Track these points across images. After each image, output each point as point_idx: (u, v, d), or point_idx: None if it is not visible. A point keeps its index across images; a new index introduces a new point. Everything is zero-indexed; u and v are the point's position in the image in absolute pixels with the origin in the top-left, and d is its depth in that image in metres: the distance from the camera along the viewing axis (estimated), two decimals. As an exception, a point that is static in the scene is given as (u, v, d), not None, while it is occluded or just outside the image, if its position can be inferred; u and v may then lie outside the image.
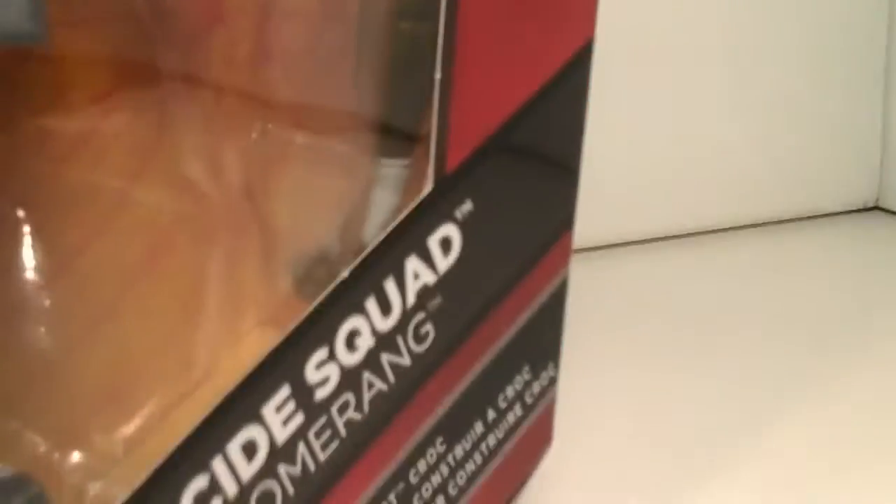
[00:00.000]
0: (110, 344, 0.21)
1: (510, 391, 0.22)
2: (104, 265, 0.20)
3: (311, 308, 0.18)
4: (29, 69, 0.19)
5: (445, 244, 0.19)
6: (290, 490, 0.18)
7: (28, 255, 0.20)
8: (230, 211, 0.22)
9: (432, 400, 0.20)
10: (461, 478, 0.21)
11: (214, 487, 0.16)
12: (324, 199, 0.22)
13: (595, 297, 0.38)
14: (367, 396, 0.19)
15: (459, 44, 0.18)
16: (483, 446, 0.22)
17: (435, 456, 0.21)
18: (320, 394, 0.18)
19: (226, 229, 0.22)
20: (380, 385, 0.19)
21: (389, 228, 0.18)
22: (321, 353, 0.18)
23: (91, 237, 0.20)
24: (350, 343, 0.18)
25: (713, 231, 0.47)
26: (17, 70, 0.18)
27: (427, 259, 0.19)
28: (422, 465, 0.20)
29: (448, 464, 0.21)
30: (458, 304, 0.20)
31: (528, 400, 0.23)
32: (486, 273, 0.20)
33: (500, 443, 0.22)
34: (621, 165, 0.43)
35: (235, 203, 0.22)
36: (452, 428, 0.21)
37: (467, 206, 0.20)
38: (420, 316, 0.19)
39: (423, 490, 0.21)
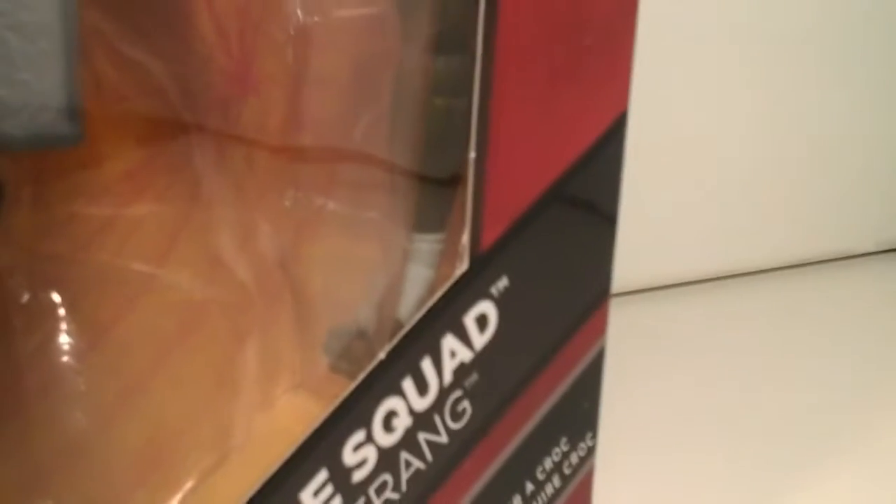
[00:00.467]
0: (144, 417, 0.21)
1: (548, 463, 0.22)
2: (134, 340, 0.21)
3: (347, 391, 0.18)
4: (59, 151, 0.19)
5: (482, 321, 0.19)
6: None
7: (61, 335, 0.20)
8: (263, 280, 0.22)
9: (470, 475, 0.20)
10: (500, 551, 0.21)
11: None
12: (357, 268, 0.22)
13: (628, 342, 0.38)
14: (404, 476, 0.19)
15: (493, 122, 0.18)
16: (521, 518, 0.22)
17: (473, 531, 0.20)
18: (357, 476, 0.18)
19: (258, 299, 0.22)
20: (417, 464, 0.19)
21: (425, 308, 0.18)
22: (359, 436, 0.18)
23: (120, 314, 0.20)
24: (387, 424, 0.18)
25: (744, 274, 0.47)
26: (48, 153, 0.19)
27: (463, 337, 0.19)
28: (460, 541, 0.20)
29: (487, 538, 0.21)
30: (495, 380, 0.20)
31: (567, 471, 0.23)
32: (523, 348, 0.20)
33: (539, 513, 0.22)
34: (656, 210, 0.43)
35: (268, 271, 0.22)
36: (491, 502, 0.21)
37: (503, 283, 0.19)
38: (457, 393, 0.19)
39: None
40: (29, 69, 0.14)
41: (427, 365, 0.19)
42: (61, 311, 0.19)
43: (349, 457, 0.18)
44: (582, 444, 0.23)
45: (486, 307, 0.19)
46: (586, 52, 0.20)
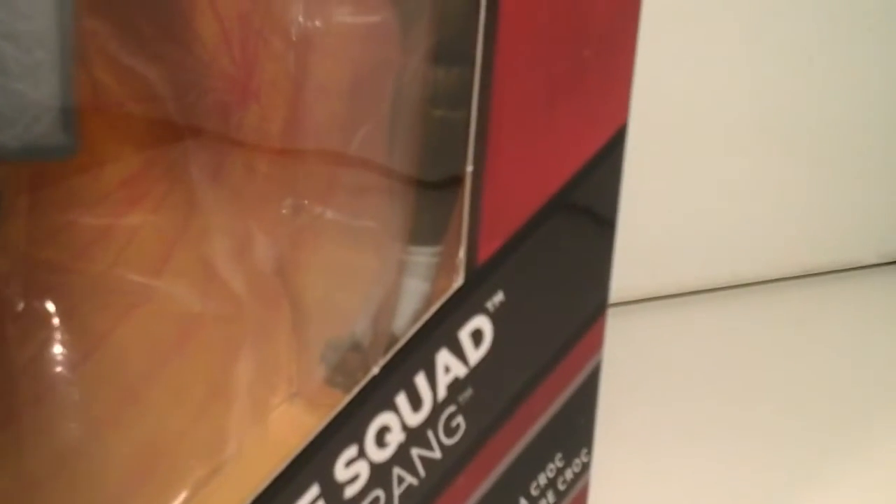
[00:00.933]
0: (138, 427, 0.21)
1: (542, 479, 0.22)
2: (129, 350, 0.20)
3: (340, 407, 0.18)
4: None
5: (477, 336, 0.19)
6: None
7: (55, 345, 0.20)
8: (259, 290, 0.22)
9: (463, 491, 0.20)
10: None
11: None
12: (354, 277, 0.22)
13: (625, 352, 0.37)
14: (396, 492, 0.19)
15: (491, 135, 0.18)
16: (515, 534, 0.22)
17: (466, 547, 0.20)
18: (349, 491, 0.18)
19: (255, 308, 0.22)
20: (410, 479, 0.19)
21: (420, 323, 0.18)
22: (351, 451, 0.18)
23: (115, 324, 0.20)
24: (380, 439, 0.18)
25: (746, 285, 0.46)
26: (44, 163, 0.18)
27: (458, 352, 0.19)
28: (453, 557, 0.20)
29: (479, 554, 0.21)
30: (490, 396, 0.20)
31: (561, 487, 0.22)
32: (518, 363, 0.20)
33: (533, 529, 0.22)
34: (656, 219, 0.43)
35: (265, 280, 0.22)
36: (484, 518, 0.21)
37: (498, 298, 0.19)
38: (451, 409, 0.19)
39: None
40: (24, 79, 0.14)
41: (421, 380, 0.19)
42: (56, 321, 0.19)
43: (341, 472, 0.18)
44: (577, 460, 0.23)
45: (482, 322, 0.19)
46: (586, 65, 0.20)
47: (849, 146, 0.47)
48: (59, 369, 0.20)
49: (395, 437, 0.18)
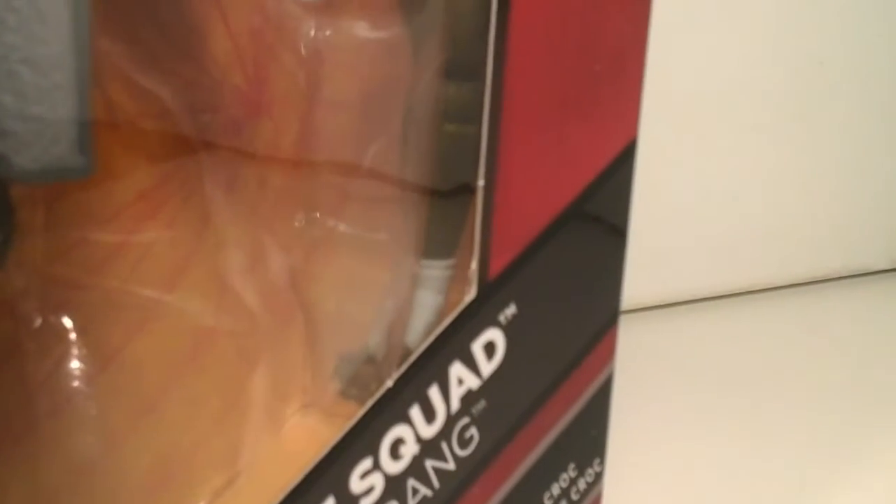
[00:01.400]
0: (154, 438, 0.21)
1: (556, 489, 0.22)
2: (144, 362, 0.21)
3: (354, 420, 0.18)
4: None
5: (489, 349, 0.19)
6: None
7: (72, 360, 0.20)
8: (273, 302, 0.22)
9: (477, 502, 0.20)
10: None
11: None
12: (367, 290, 0.22)
13: (635, 359, 0.38)
14: (411, 503, 0.19)
15: (502, 150, 0.18)
16: (529, 544, 0.22)
17: (480, 557, 0.20)
18: (364, 503, 0.18)
19: (268, 321, 0.22)
20: (424, 491, 0.19)
21: (433, 336, 0.18)
22: (366, 463, 0.18)
23: (129, 337, 0.20)
24: (394, 451, 0.18)
25: (756, 291, 0.46)
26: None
27: (471, 364, 0.19)
28: (467, 568, 0.20)
29: (493, 564, 0.21)
30: (503, 407, 0.20)
31: (574, 497, 0.23)
32: (531, 374, 0.20)
33: (546, 539, 0.22)
34: (667, 225, 0.43)
35: (279, 293, 0.22)
36: (497, 529, 0.21)
37: (511, 310, 0.19)
38: (464, 421, 0.19)
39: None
40: (42, 103, 0.14)
41: (435, 392, 0.19)
42: (73, 336, 0.19)
43: (356, 484, 0.18)
44: (590, 470, 0.23)
45: (494, 334, 0.19)
46: (596, 80, 0.20)
47: (859, 152, 0.46)
48: (75, 383, 0.20)
49: (410, 449, 0.19)
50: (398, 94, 0.21)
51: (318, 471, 0.17)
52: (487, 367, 0.19)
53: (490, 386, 0.20)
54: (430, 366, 0.18)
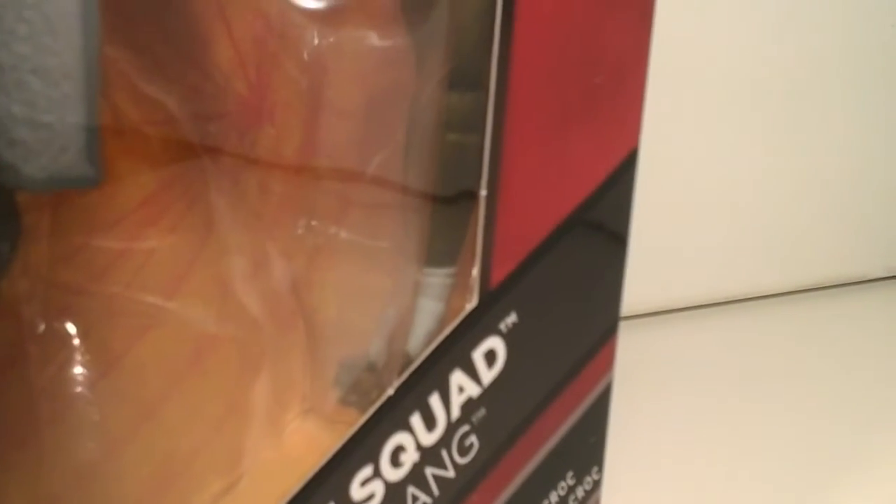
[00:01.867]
0: (155, 443, 0.21)
1: (554, 497, 0.22)
2: (145, 368, 0.21)
3: (355, 427, 0.18)
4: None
5: (490, 357, 0.19)
6: None
7: (75, 365, 0.20)
8: (274, 308, 0.22)
9: (476, 509, 0.20)
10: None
11: None
12: (368, 297, 0.22)
13: (633, 365, 0.38)
14: (411, 510, 0.19)
15: (505, 160, 0.18)
16: (527, 550, 0.22)
17: (479, 564, 0.21)
18: (365, 510, 0.18)
19: (270, 327, 0.22)
20: (424, 498, 0.19)
21: (434, 344, 0.19)
22: (366, 471, 0.18)
23: (131, 343, 0.20)
24: (395, 459, 0.18)
25: (753, 298, 0.47)
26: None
27: (471, 372, 0.19)
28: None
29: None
30: (503, 415, 0.20)
31: (572, 504, 0.23)
32: (531, 383, 0.20)
33: (544, 546, 0.22)
34: (666, 232, 0.43)
35: (280, 299, 0.22)
36: (496, 536, 0.21)
37: (511, 319, 0.20)
38: (464, 428, 0.19)
39: None
40: (51, 112, 0.14)
41: (435, 400, 0.19)
42: (76, 342, 0.19)
43: (357, 491, 0.18)
44: (588, 478, 0.23)
45: (495, 343, 0.20)
46: (598, 91, 0.20)
47: (857, 161, 0.47)
48: (77, 389, 0.20)
49: (410, 457, 0.19)
50: (401, 103, 0.21)
51: (319, 478, 0.18)
52: (488, 376, 0.20)
53: (490, 394, 0.20)
54: (430, 373, 0.19)
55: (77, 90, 0.14)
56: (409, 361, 0.19)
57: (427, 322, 0.20)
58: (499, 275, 0.19)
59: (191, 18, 0.19)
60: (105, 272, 0.20)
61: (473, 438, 0.20)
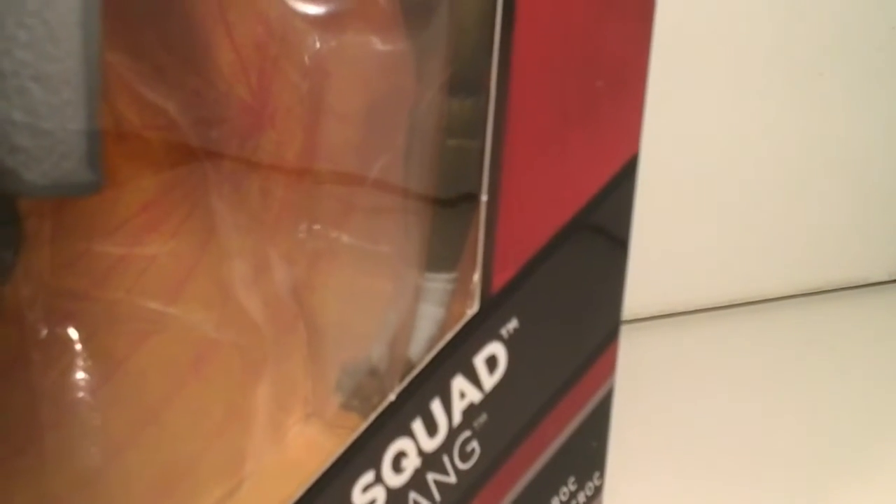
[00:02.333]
0: (157, 448, 0.21)
1: (556, 502, 0.22)
2: (147, 372, 0.21)
3: (357, 434, 0.18)
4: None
5: (491, 362, 0.19)
6: None
7: (77, 370, 0.20)
8: (276, 312, 0.22)
9: (478, 514, 0.20)
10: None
11: None
12: (369, 302, 0.23)
13: (634, 370, 0.38)
14: (412, 516, 0.19)
15: (506, 166, 0.18)
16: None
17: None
18: (366, 516, 0.18)
19: (271, 331, 0.22)
20: (425, 504, 0.19)
21: (436, 350, 0.19)
22: (368, 477, 0.18)
23: (132, 348, 0.20)
24: (396, 465, 0.18)
25: (756, 302, 0.47)
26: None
27: (473, 378, 0.19)
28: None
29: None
30: (504, 421, 0.20)
31: (574, 509, 0.23)
32: (532, 388, 0.20)
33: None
34: (669, 236, 0.43)
35: (281, 303, 0.22)
36: (498, 541, 0.21)
37: (513, 325, 0.20)
38: (466, 434, 0.19)
39: None
40: (52, 119, 0.14)
41: (437, 406, 0.19)
42: (78, 347, 0.19)
43: (358, 497, 0.18)
44: (589, 484, 0.23)
45: (496, 348, 0.20)
46: (598, 96, 0.20)
47: (859, 164, 0.47)
48: (80, 394, 0.20)
49: (412, 463, 0.19)
50: (401, 108, 0.21)
51: (321, 484, 0.18)
52: (489, 381, 0.20)
53: (492, 399, 0.20)
54: (432, 379, 0.19)
55: (78, 97, 0.14)
56: (410, 367, 0.19)
57: (428, 327, 0.20)
58: (500, 280, 0.19)
59: (192, 23, 0.19)
60: (106, 278, 0.20)
61: (475, 444, 0.20)
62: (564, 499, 0.22)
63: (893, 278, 0.50)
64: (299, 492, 0.17)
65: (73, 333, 0.19)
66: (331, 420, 0.22)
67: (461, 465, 0.19)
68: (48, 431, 0.20)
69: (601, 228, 0.21)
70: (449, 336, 0.19)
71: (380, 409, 0.18)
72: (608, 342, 0.22)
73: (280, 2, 0.20)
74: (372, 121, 0.21)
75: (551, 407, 0.21)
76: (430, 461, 0.19)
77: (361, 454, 0.18)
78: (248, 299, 0.22)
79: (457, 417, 0.19)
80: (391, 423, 0.18)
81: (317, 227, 0.22)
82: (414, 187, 0.21)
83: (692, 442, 0.33)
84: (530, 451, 0.21)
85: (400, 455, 0.18)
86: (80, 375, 0.20)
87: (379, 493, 0.18)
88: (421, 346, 0.20)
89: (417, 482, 0.19)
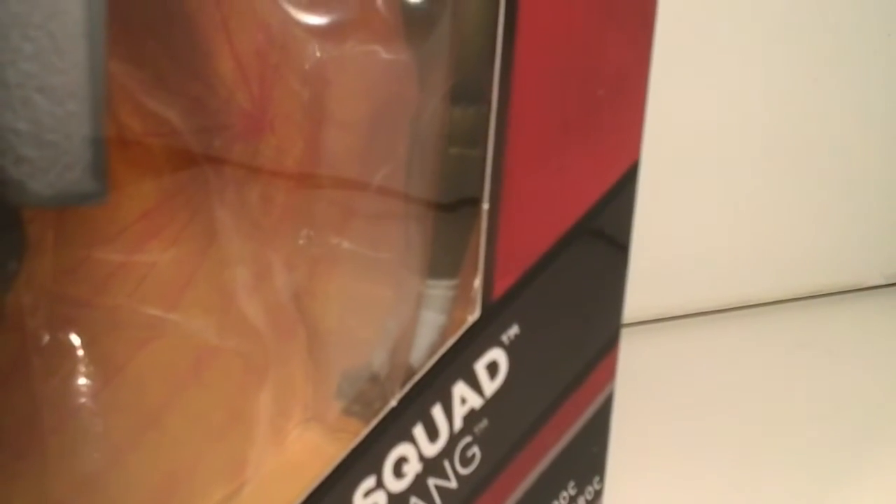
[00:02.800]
0: (158, 452, 0.21)
1: (555, 507, 0.22)
2: (148, 377, 0.21)
3: (358, 439, 0.18)
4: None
5: (492, 368, 0.20)
6: None
7: (79, 377, 0.20)
8: (276, 318, 0.22)
9: (478, 519, 0.20)
10: None
11: None
12: (370, 308, 0.23)
13: (633, 373, 0.38)
14: (414, 521, 0.19)
15: (507, 174, 0.18)
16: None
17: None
18: (368, 521, 0.18)
19: (272, 336, 0.22)
20: (426, 509, 0.19)
21: (437, 356, 0.19)
22: (369, 482, 0.18)
23: (132, 354, 0.21)
24: (398, 470, 0.19)
25: (751, 306, 0.47)
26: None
27: (474, 384, 0.19)
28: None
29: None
30: (505, 426, 0.20)
31: (574, 514, 0.23)
32: (533, 394, 0.21)
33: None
34: (666, 241, 0.43)
35: (282, 309, 0.22)
36: (498, 546, 0.21)
37: (514, 331, 0.20)
38: (467, 440, 0.19)
39: None
40: (57, 130, 0.14)
41: (438, 412, 0.19)
42: (79, 353, 0.20)
43: (360, 502, 0.18)
44: (589, 488, 0.23)
45: (498, 354, 0.20)
46: (599, 104, 0.20)
47: (854, 167, 0.47)
48: (81, 399, 0.20)
49: (413, 468, 0.19)
50: (403, 116, 0.21)
51: (323, 488, 0.18)
52: (490, 387, 0.20)
53: (493, 405, 0.20)
54: (433, 385, 0.19)
55: (83, 108, 0.14)
56: (411, 373, 0.19)
57: (429, 334, 0.20)
58: (501, 287, 0.19)
59: (193, 32, 0.19)
60: (107, 284, 0.20)
61: (476, 449, 0.20)
62: (564, 503, 0.22)
63: (889, 282, 0.50)
64: (301, 496, 0.17)
65: (74, 339, 0.19)
66: (332, 425, 0.22)
67: (462, 471, 0.20)
68: (50, 436, 0.20)
69: (602, 236, 0.21)
70: (450, 342, 0.19)
71: (381, 414, 0.18)
72: (608, 348, 0.22)
73: (281, 10, 0.20)
74: (374, 129, 0.21)
75: (552, 412, 0.21)
76: (432, 466, 0.19)
77: (363, 459, 0.18)
78: (249, 305, 0.22)
79: (458, 423, 0.19)
80: (392, 429, 0.18)
81: (317, 233, 0.22)
82: (415, 194, 0.21)
83: (691, 444, 0.33)
84: (531, 456, 0.21)
85: (401, 460, 0.18)
86: (82, 381, 0.20)
87: (380, 498, 0.18)
88: (422, 352, 0.20)
89: (418, 487, 0.19)
